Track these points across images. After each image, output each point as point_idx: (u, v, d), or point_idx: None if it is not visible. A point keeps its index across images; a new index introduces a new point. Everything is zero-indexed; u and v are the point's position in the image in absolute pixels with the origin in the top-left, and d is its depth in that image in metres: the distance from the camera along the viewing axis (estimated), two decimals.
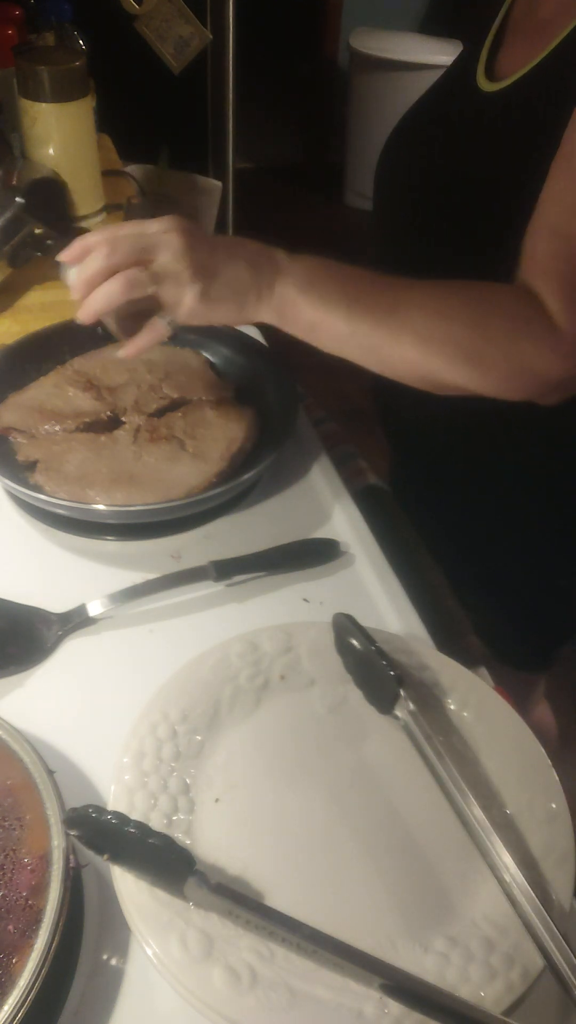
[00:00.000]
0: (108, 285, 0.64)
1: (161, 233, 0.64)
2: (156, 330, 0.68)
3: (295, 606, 0.72)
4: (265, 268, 0.67)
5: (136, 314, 0.69)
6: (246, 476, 0.78)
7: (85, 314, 0.67)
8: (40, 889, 0.45)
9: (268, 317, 0.68)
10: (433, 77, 0.92)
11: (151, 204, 1.28)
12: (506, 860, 0.51)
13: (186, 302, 0.65)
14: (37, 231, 1.09)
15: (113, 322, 0.71)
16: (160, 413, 0.85)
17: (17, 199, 0.83)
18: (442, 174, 0.82)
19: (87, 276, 0.65)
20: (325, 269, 0.68)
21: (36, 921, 0.44)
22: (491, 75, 0.79)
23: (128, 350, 0.70)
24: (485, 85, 0.78)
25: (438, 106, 0.87)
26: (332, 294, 0.67)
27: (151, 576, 0.72)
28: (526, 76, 0.73)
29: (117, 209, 1.27)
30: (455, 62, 0.88)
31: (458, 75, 0.85)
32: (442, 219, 0.81)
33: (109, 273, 0.64)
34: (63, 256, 0.68)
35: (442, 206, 0.81)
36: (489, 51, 0.81)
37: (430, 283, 0.68)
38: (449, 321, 0.67)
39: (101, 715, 0.63)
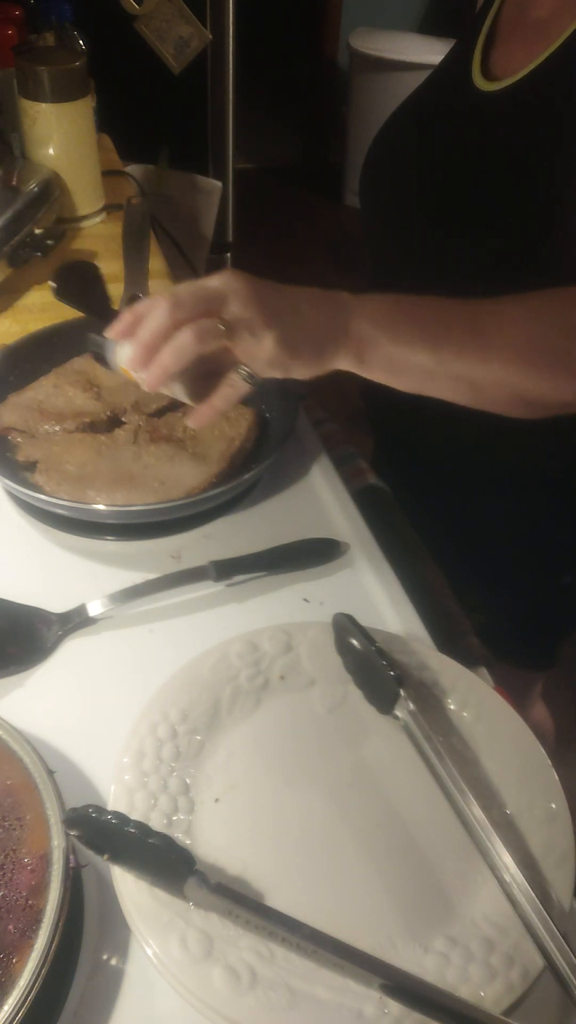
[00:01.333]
0: (176, 340, 0.57)
1: (224, 284, 0.59)
2: (235, 387, 0.62)
3: (295, 606, 0.72)
4: (335, 310, 0.61)
5: (204, 375, 0.62)
6: (246, 476, 0.78)
7: (154, 379, 0.60)
8: (40, 889, 0.46)
9: (346, 362, 0.62)
10: None
11: (151, 204, 1.29)
12: (506, 860, 0.51)
13: (265, 349, 0.58)
14: (37, 231, 1.09)
15: (182, 387, 0.63)
16: (160, 413, 0.85)
17: (51, 283, 0.75)
18: (434, 170, 0.82)
19: (149, 338, 0.58)
20: (396, 303, 0.63)
21: (36, 921, 0.44)
22: (487, 75, 0.79)
23: (203, 415, 0.63)
24: (483, 84, 0.78)
25: (431, 104, 0.88)
26: (410, 326, 0.62)
27: (151, 576, 0.72)
28: (529, 76, 0.73)
29: (117, 209, 1.28)
30: (446, 61, 0.88)
31: (451, 73, 0.85)
32: (432, 212, 0.82)
33: (173, 331, 0.58)
34: (112, 332, 0.61)
35: (433, 201, 0.82)
36: (482, 50, 0.81)
37: (510, 297, 0.62)
38: (540, 326, 0.61)
39: (101, 715, 0.63)
